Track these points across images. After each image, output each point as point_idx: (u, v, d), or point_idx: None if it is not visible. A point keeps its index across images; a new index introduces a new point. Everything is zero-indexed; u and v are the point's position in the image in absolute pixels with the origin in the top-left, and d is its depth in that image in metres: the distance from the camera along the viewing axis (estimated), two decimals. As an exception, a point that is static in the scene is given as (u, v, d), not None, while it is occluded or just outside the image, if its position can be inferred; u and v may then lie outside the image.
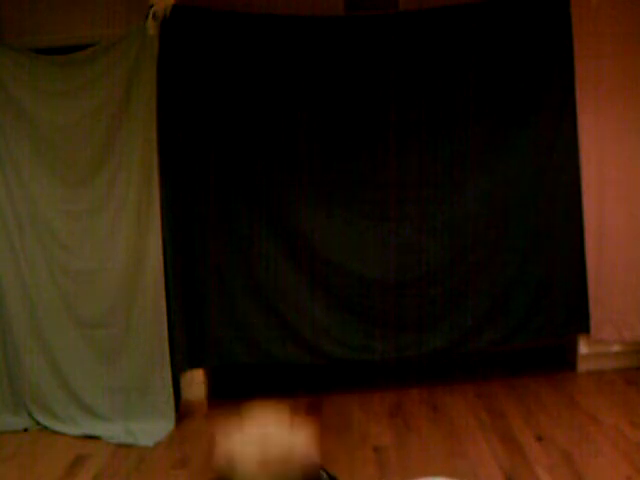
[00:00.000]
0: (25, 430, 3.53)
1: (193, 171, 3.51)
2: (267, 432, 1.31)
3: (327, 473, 1.59)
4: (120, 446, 3.29)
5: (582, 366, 3.81)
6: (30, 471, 3.08)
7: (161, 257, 3.45)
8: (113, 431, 3.41)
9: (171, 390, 3.48)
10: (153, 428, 3.40)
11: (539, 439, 3.00)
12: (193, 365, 3.63)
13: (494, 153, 3.59)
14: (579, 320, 3.68)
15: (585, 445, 2.91)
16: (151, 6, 3.27)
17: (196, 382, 3.69)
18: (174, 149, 3.45)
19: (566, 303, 3.66)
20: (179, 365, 3.55)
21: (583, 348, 3.78)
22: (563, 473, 2.68)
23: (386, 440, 3.12)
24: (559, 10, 3.50)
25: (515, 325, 3.69)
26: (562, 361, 3.95)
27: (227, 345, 3.60)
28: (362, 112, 3.56)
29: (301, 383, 3.89)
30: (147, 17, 3.27)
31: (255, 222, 3.57)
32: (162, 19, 3.30)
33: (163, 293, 3.45)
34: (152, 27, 3.28)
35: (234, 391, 3.86)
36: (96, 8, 3.53)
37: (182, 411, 3.58)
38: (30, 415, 3.58)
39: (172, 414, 3.47)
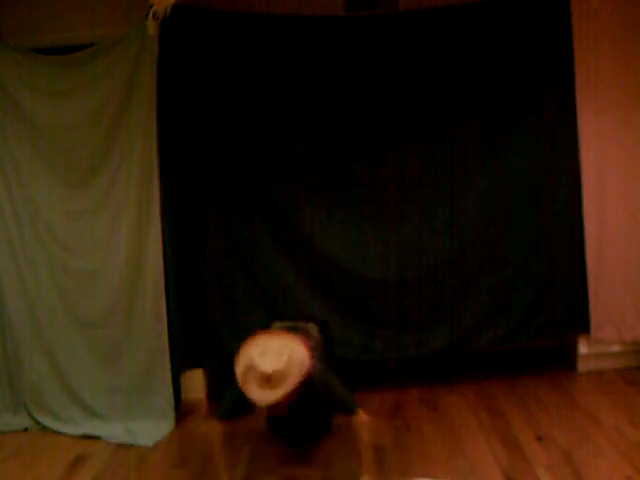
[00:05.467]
0: (25, 430, 3.54)
1: (193, 171, 3.51)
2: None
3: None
4: (120, 446, 3.29)
5: (582, 366, 3.81)
6: (30, 471, 3.08)
7: (161, 257, 3.45)
8: (113, 431, 3.41)
9: (171, 390, 3.48)
10: (153, 428, 3.40)
11: (539, 439, 3.00)
12: (193, 365, 3.63)
13: (494, 153, 3.59)
14: (579, 320, 3.68)
15: (585, 445, 2.91)
16: (151, 6, 3.27)
17: (196, 382, 3.69)
18: (174, 149, 3.45)
19: (566, 303, 3.66)
20: (179, 365, 3.54)
21: (583, 348, 3.78)
22: (563, 473, 2.68)
23: (386, 440, 3.12)
24: (559, 10, 3.50)
25: (515, 325, 3.69)
26: (562, 361, 3.95)
27: (227, 345, 3.59)
28: (362, 112, 3.56)
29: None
30: (147, 17, 3.27)
31: (255, 222, 3.57)
32: (162, 19, 3.30)
33: (163, 293, 3.46)
34: (152, 27, 3.28)
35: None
36: (96, 8, 3.53)
37: (182, 411, 3.58)
38: (30, 415, 3.58)
39: (172, 414, 3.47)
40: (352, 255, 3.63)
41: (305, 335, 2.74)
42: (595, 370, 3.78)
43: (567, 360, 3.93)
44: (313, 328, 3.01)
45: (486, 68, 3.54)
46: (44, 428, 3.53)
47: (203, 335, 3.59)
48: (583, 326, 3.70)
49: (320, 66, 3.52)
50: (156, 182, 3.42)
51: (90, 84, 3.43)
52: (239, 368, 2.41)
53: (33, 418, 3.57)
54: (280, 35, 3.50)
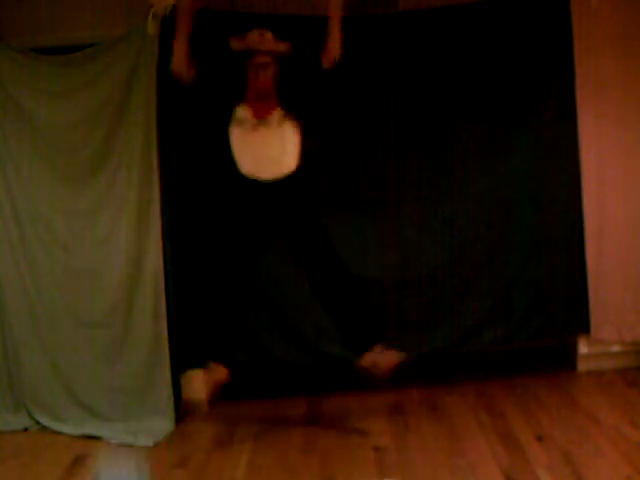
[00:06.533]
0: (25, 430, 3.53)
1: (193, 171, 3.51)
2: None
3: None
4: (120, 446, 3.29)
5: (582, 366, 3.81)
6: (30, 471, 3.08)
7: (161, 257, 3.45)
8: (113, 431, 3.40)
9: (171, 390, 3.47)
10: (153, 428, 3.39)
11: (539, 439, 3.00)
12: (193, 365, 3.63)
13: (494, 153, 3.59)
14: (579, 320, 3.68)
15: (585, 445, 2.91)
16: (151, 6, 3.27)
17: (196, 382, 3.68)
18: (174, 149, 3.45)
19: (566, 303, 3.66)
20: (179, 365, 3.54)
21: (583, 348, 3.78)
22: (563, 473, 2.68)
23: (386, 440, 3.11)
24: (559, 10, 3.50)
25: (515, 325, 3.69)
26: (562, 361, 3.95)
27: (227, 345, 3.59)
28: (362, 112, 3.56)
29: (301, 383, 3.89)
30: (147, 17, 3.27)
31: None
32: (162, 19, 3.30)
33: (163, 293, 3.46)
34: (152, 27, 3.29)
35: (234, 391, 3.85)
36: (96, 8, 3.52)
37: (182, 411, 3.58)
38: (30, 415, 3.58)
39: (172, 414, 3.47)
40: (352, 255, 3.62)
41: None
42: (595, 370, 3.78)
43: (567, 360, 3.92)
44: None
45: (486, 68, 3.54)
46: (44, 428, 3.52)
47: (203, 335, 3.59)
48: (583, 326, 3.70)
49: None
50: (156, 182, 3.42)
51: (90, 84, 3.43)
52: None
53: (33, 418, 3.57)
54: (280, 35, 3.49)
